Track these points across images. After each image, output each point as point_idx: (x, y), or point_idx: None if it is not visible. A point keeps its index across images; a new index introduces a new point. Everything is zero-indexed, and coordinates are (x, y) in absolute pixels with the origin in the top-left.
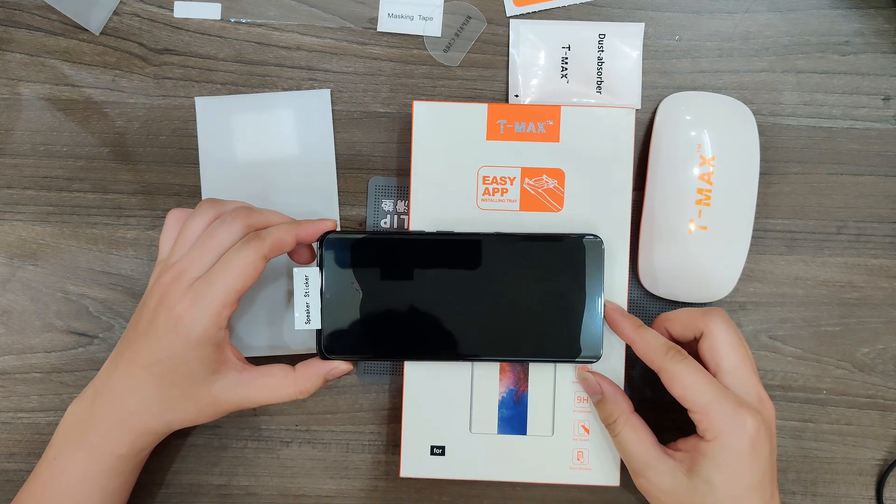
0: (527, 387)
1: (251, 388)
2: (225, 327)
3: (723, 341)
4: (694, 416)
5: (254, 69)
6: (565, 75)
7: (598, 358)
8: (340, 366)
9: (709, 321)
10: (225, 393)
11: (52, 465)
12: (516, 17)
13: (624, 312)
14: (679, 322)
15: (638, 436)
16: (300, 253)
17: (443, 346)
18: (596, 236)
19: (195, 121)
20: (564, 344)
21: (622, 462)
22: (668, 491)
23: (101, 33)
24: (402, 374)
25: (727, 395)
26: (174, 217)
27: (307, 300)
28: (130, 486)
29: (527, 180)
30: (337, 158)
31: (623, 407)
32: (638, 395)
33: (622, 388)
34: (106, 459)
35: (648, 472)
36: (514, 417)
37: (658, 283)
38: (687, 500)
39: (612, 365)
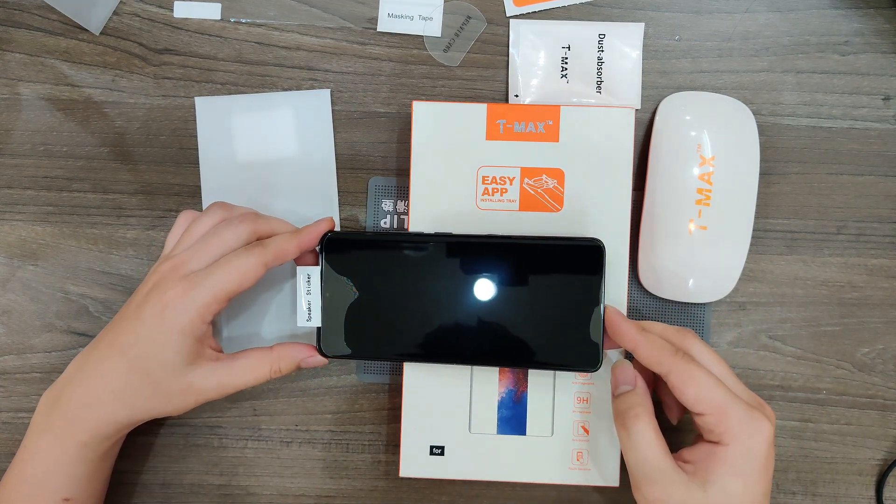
0: (526, 387)
1: (228, 373)
2: (209, 322)
3: (704, 352)
4: (706, 420)
5: (254, 69)
6: (565, 75)
7: (597, 367)
8: (317, 357)
9: (683, 338)
10: (201, 382)
11: (22, 452)
12: (516, 17)
13: (625, 317)
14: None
15: (657, 438)
16: (303, 258)
17: (439, 350)
18: (597, 240)
19: (195, 121)
20: (563, 352)
21: (622, 462)
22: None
23: (101, 33)
24: (402, 375)
25: (738, 398)
26: (184, 217)
27: (309, 298)
28: (101, 477)
29: (526, 180)
30: (337, 158)
31: (649, 405)
32: None
33: None
34: (69, 446)
35: (662, 479)
36: (513, 418)
37: (658, 283)
38: None
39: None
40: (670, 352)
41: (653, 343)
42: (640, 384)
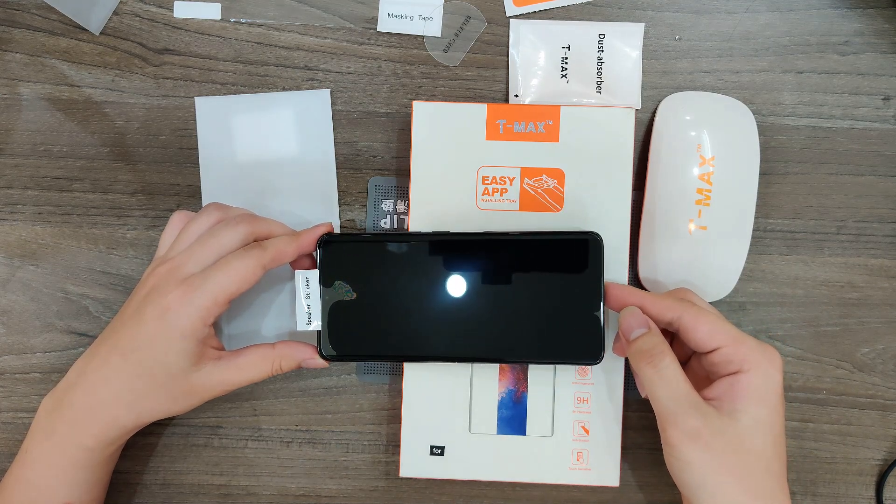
0: (526, 387)
1: (230, 371)
2: (211, 325)
3: (703, 302)
4: (723, 352)
5: (254, 69)
6: (565, 75)
7: (599, 359)
8: (318, 360)
9: (683, 293)
10: (203, 381)
11: (23, 456)
12: (516, 17)
13: (624, 286)
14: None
15: (683, 373)
16: (301, 262)
17: (441, 348)
18: (595, 234)
19: (195, 121)
20: (565, 346)
21: (621, 462)
22: (715, 434)
23: (101, 33)
24: (402, 374)
25: (744, 334)
26: (178, 218)
27: (308, 301)
28: (102, 483)
29: (526, 180)
30: (337, 158)
31: (667, 344)
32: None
33: (622, 385)
34: (72, 451)
35: (698, 410)
36: (513, 418)
37: (658, 283)
38: (733, 443)
39: (613, 364)
40: (677, 300)
41: (658, 296)
42: (654, 325)
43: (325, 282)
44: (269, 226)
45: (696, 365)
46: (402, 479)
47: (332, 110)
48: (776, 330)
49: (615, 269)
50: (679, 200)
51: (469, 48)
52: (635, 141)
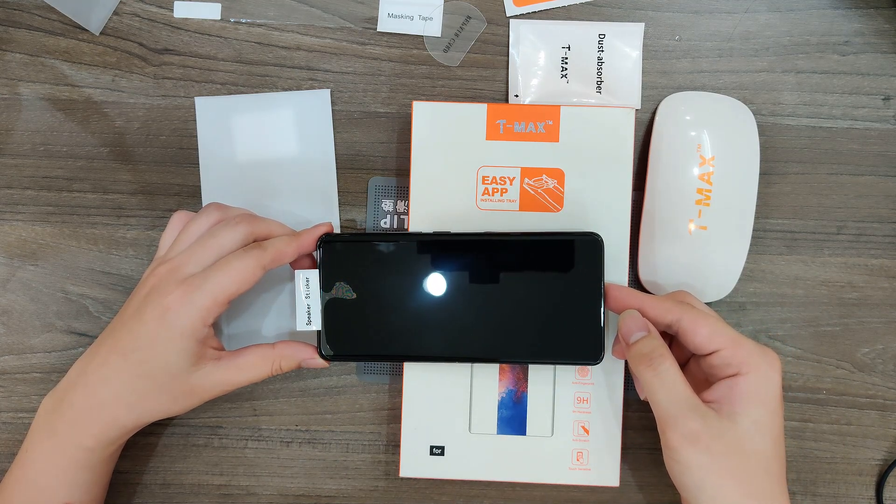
0: (526, 387)
1: (230, 371)
2: (210, 325)
3: (701, 304)
4: (722, 355)
5: (254, 69)
6: (565, 75)
7: (599, 360)
8: (318, 360)
9: (682, 296)
10: (203, 381)
11: (23, 456)
12: (516, 17)
13: (623, 287)
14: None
15: (682, 376)
16: (301, 262)
17: (441, 348)
18: (595, 234)
19: (195, 121)
20: (565, 346)
21: (621, 462)
22: (714, 436)
23: (101, 33)
24: (402, 374)
25: (743, 336)
26: (178, 218)
27: (308, 301)
28: (102, 484)
29: (526, 180)
30: (337, 158)
31: (667, 347)
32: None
33: (622, 385)
34: (72, 451)
35: (698, 413)
36: (513, 418)
37: (658, 283)
38: (732, 446)
39: (613, 364)
40: (676, 302)
41: (658, 299)
42: (653, 329)
43: (325, 282)
44: (269, 226)
45: (694, 367)
46: (402, 479)
47: (332, 110)
48: (776, 330)
49: (615, 268)
50: (679, 200)
51: (469, 48)
52: (635, 141)
